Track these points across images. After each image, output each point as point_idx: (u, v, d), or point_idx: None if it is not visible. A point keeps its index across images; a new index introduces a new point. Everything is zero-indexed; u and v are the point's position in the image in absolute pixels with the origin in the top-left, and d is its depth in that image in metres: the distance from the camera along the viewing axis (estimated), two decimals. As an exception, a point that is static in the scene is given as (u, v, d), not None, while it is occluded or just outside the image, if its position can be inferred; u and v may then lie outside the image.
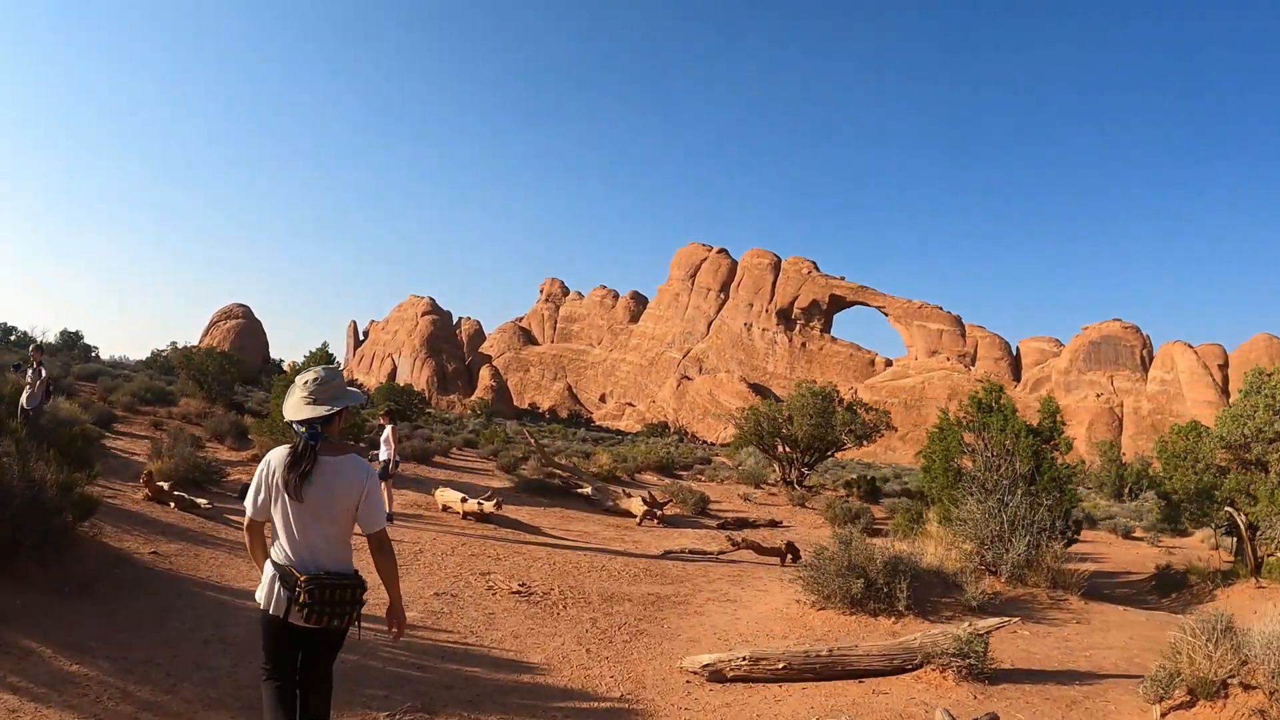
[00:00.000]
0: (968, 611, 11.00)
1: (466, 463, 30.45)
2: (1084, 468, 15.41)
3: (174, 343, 32.37)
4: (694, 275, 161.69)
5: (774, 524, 22.54)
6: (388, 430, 16.59)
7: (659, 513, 20.62)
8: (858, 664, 8.05)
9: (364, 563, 4.42)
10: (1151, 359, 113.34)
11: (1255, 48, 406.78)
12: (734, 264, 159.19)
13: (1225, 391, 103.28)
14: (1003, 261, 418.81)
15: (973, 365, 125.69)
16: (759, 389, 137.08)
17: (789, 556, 16.20)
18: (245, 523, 4.41)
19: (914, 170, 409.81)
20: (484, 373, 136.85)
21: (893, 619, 10.53)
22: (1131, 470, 49.05)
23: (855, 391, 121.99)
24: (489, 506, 16.77)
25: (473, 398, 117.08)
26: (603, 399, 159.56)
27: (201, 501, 13.56)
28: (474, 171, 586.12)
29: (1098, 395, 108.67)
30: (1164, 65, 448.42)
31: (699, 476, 36.38)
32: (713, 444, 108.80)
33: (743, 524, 21.86)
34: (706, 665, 7.92)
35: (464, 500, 17.10)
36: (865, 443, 28.33)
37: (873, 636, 9.95)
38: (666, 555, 15.81)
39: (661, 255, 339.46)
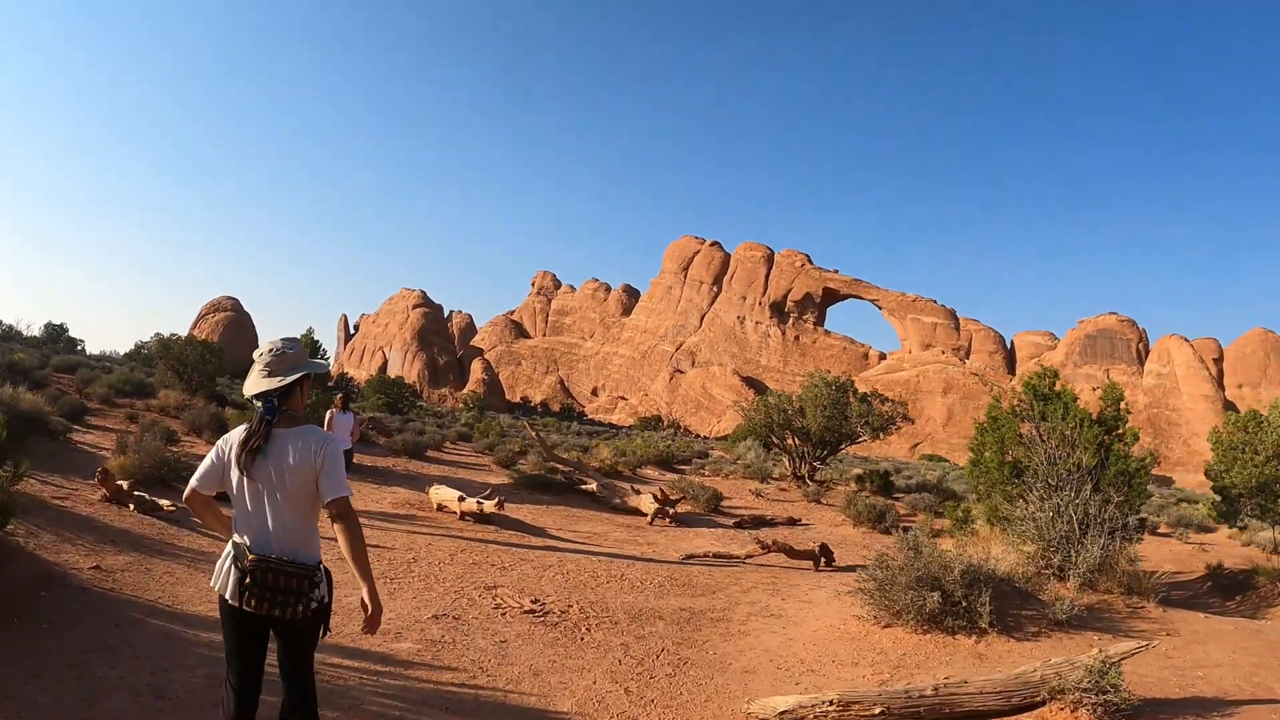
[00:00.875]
0: (1053, 626, 9.48)
1: (461, 457, 28.70)
2: (1152, 460, 13.70)
3: (157, 334, 30.29)
4: (687, 268, 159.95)
5: (792, 522, 20.89)
6: (342, 417, 15.09)
7: (671, 511, 18.94)
8: (970, 703, 6.40)
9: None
10: (1147, 353, 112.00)
11: (1254, 41, 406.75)
12: (727, 257, 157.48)
13: (1221, 385, 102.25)
14: (997, 256, 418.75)
15: (967, 359, 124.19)
16: (752, 382, 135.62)
17: (822, 560, 14.55)
18: (187, 493, 4.15)
19: (909, 164, 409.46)
20: (476, 366, 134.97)
21: (974, 638, 8.89)
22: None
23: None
24: (489, 506, 15.03)
25: (464, 391, 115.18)
26: (595, 392, 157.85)
27: (165, 503, 11.78)
28: (466, 165, 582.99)
29: (1094, 389, 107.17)
30: (1162, 57, 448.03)
31: (701, 470, 34.71)
32: (706, 437, 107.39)
33: (760, 522, 20.21)
34: (785, 713, 6.23)
35: (461, 499, 15.37)
36: (881, 435, 26.68)
37: (957, 660, 8.33)
38: (689, 560, 14.13)
39: (654, 248, 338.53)
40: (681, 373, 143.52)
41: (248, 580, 3.83)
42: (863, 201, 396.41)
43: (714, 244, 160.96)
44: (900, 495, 28.88)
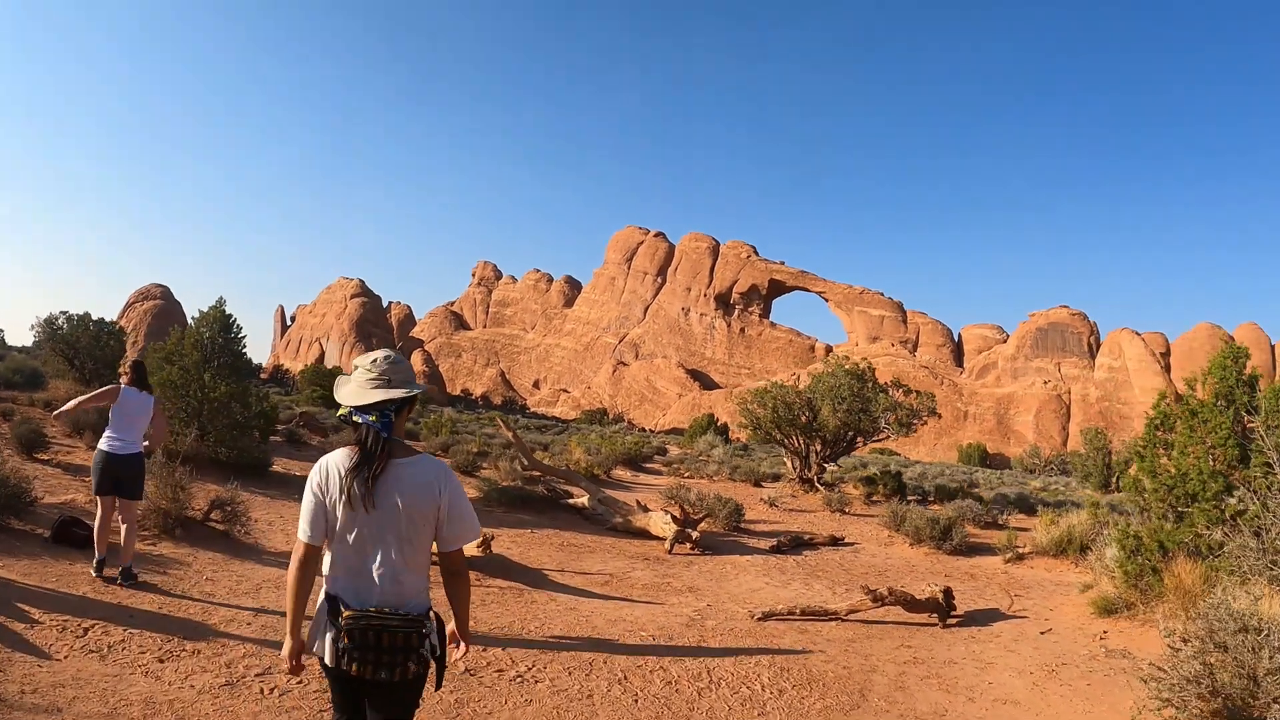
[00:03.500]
0: None
1: (411, 460, 23.74)
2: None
3: (49, 314, 24.56)
4: (630, 259, 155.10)
5: (835, 541, 16.48)
6: (134, 397, 8.55)
7: (694, 534, 14.33)
8: None
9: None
10: (1099, 346, 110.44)
11: (1204, 39, 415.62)
12: (671, 248, 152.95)
13: (1169, 379, 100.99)
14: (944, 250, 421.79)
15: (915, 352, 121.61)
16: (697, 375, 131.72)
17: (947, 612, 10.10)
18: (300, 551, 3.32)
19: (855, 156, 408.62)
20: (415, 358, 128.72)
21: None
22: (1120, 460, 44.95)
23: (798, 378, 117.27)
24: (472, 548, 10.28)
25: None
26: (536, 385, 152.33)
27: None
28: (406, 152, 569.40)
29: (1045, 382, 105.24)
30: (1110, 54, 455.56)
31: (679, 471, 30.12)
32: (652, 431, 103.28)
33: (799, 543, 15.77)
34: None
35: (428, 532, 10.54)
36: (908, 431, 22.41)
37: None
38: (768, 619, 9.56)
39: (597, 238, 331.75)
40: (625, 365, 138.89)
41: (345, 640, 3.16)
42: (810, 193, 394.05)
43: (658, 234, 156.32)
44: (918, 500, 24.71)
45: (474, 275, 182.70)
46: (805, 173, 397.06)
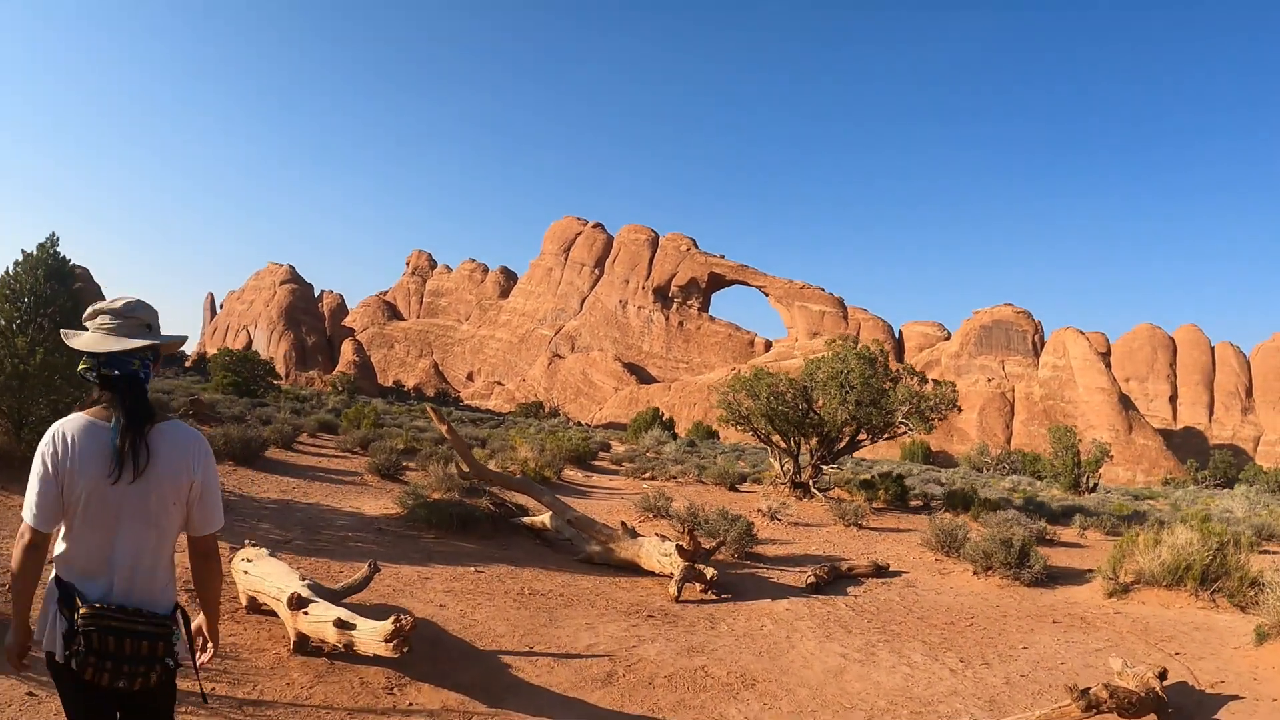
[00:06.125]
0: None
1: (321, 458, 18.87)
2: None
3: None
4: (568, 250, 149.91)
5: (879, 570, 12.29)
6: None
7: (709, 573, 9.91)
8: None
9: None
10: (1043, 344, 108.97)
11: (1143, 39, 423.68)
12: (610, 239, 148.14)
13: (1113, 378, 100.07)
14: (884, 246, 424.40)
15: (855, 347, 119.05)
16: (634, 368, 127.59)
17: (1166, 709, 5.89)
18: (26, 538, 2.72)
19: (796, 152, 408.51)
20: (346, 347, 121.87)
21: None
22: (1091, 460, 42.00)
23: (739, 372, 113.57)
24: (373, 642, 5.64)
25: (334, 373, 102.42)
26: (470, 377, 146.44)
27: None
28: (340, 138, 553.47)
29: (989, 380, 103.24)
30: (1050, 53, 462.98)
31: (644, 475, 25.58)
32: (589, 425, 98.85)
33: (836, 574, 11.52)
34: None
35: (299, 605, 5.94)
36: (928, 427, 18.34)
37: None
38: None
39: (534, 229, 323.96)
40: (561, 358, 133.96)
41: (80, 643, 2.63)
42: (750, 188, 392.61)
43: (596, 225, 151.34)
44: (920, 506, 20.74)
45: (408, 264, 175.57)
46: (745, 167, 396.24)
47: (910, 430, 18.61)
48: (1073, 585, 12.17)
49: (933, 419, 18.35)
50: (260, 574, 6.54)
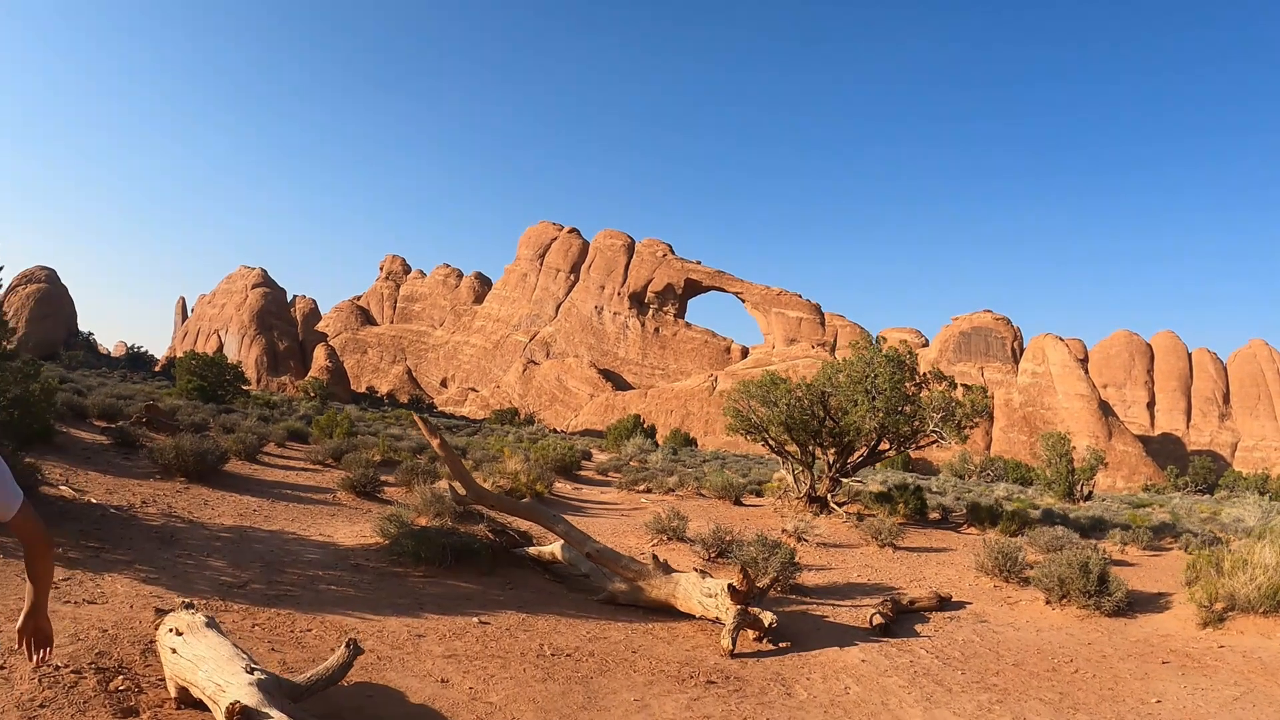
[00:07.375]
0: None
1: (288, 471, 16.74)
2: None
3: None
4: (543, 255, 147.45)
5: (943, 603, 10.46)
6: None
7: (767, 619, 7.99)
8: None
9: None
10: (1023, 351, 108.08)
11: (1118, 46, 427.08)
12: (585, 245, 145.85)
13: (1092, 385, 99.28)
14: (863, 254, 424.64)
15: (833, 354, 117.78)
16: (609, 375, 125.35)
17: None
18: None
19: (775, 157, 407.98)
20: (319, 352, 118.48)
21: None
22: (1085, 467, 40.54)
23: (715, 379, 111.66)
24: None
25: (306, 379, 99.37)
26: (444, 383, 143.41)
27: None
28: (315, 141, 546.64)
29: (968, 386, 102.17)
30: (1031, 57, 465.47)
31: (637, 487, 23.46)
32: (564, 432, 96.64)
33: (900, 608, 9.67)
34: None
35: (241, 714, 3.92)
36: (962, 437, 16.57)
37: None
38: None
39: (509, 234, 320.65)
40: (536, 364, 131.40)
41: None
42: (726, 194, 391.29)
43: (572, 231, 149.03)
44: (939, 519, 18.96)
45: (382, 269, 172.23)
46: (722, 173, 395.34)
47: (943, 439, 16.81)
48: (1153, 613, 10.45)
49: (966, 427, 16.55)
50: (192, 658, 4.54)
